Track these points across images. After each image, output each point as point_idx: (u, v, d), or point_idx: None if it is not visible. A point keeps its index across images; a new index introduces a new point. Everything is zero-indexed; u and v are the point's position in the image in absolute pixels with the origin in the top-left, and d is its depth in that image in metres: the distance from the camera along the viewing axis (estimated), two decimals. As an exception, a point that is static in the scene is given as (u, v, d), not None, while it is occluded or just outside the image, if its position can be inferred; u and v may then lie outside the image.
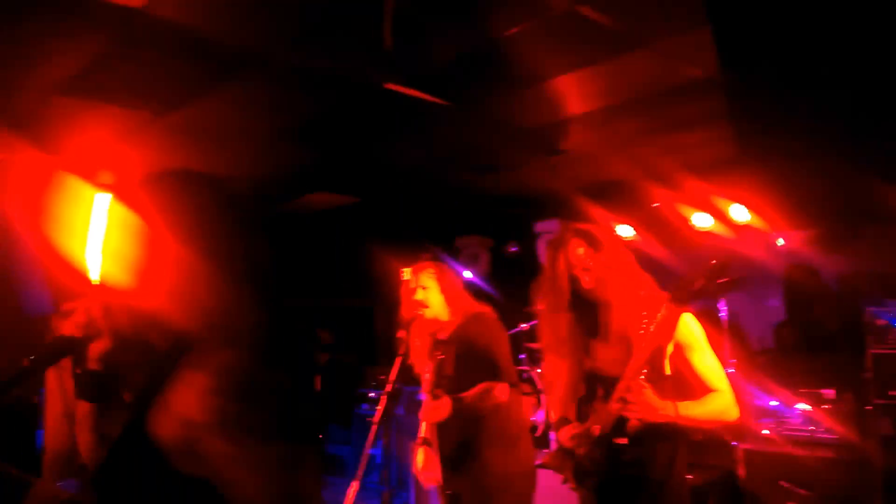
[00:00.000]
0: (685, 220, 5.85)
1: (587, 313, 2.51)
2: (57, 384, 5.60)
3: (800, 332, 5.60)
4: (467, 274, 7.32)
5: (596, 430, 2.37)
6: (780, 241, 5.89)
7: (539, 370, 5.61)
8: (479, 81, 3.95)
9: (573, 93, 4.16)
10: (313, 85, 3.93)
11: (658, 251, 5.82)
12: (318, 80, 3.84)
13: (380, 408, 2.96)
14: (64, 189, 4.52)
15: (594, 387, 2.46)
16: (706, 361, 2.38)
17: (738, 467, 4.36)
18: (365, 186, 6.17)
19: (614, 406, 2.30)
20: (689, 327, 2.37)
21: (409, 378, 3.20)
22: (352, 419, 7.08)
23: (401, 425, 5.43)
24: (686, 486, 2.48)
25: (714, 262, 2.24)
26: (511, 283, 7.37)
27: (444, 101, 4.14)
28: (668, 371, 2.34)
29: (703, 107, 4.14)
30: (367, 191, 6.25)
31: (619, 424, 2.33)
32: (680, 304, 2.24)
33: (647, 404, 2.25)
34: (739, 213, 5.53)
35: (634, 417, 2.28)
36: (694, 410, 2.30)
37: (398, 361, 3.03)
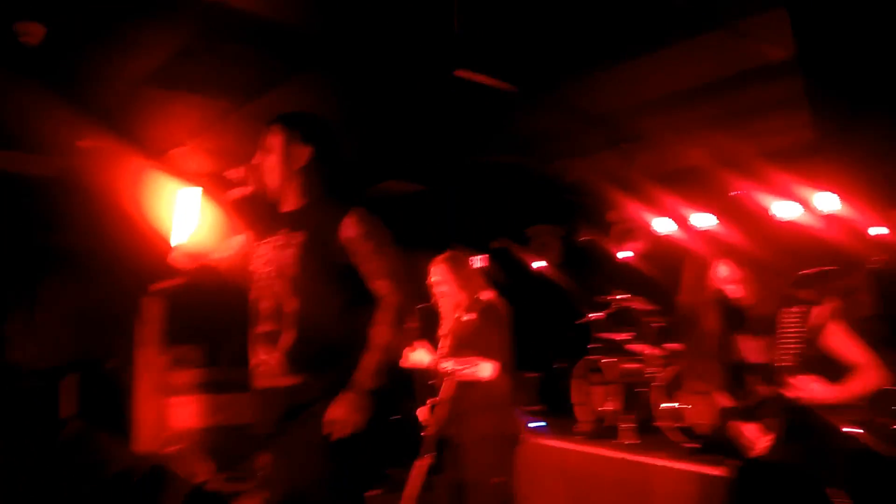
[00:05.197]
0: (766, 209, 5.61)
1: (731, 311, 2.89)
2: (146, 360, 5.94)
3: (891, 327, 5.29)
4: (537, 263, 7.29)
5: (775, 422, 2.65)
6: (873, 231, 5.57)
7: (608, 360, 5.53)
8: (549, 66, 3.92)
9: (646, 77, 4.07)
10: (385, 73, 4.00)
11: (740, 240, 5.61)
12: (390, 67, 3.91)
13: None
14: (150, 177, 4.79)
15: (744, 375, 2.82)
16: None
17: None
18: (432, 174, 6.23)
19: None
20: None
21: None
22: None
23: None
24: None
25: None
26: (582, 272, 7.34)
27: (513, 87, 4.13)
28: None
29: (782, 90, 3.98)
30: (434, 179, 6.31)
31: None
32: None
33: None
34: (825, 201, 5.27)
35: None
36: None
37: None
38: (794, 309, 2.65)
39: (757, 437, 2.70)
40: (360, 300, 2.32)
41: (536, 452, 5.00)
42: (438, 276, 3.59)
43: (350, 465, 2.26)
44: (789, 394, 2.59)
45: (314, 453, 2.22)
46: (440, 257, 3.65)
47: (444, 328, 3.59)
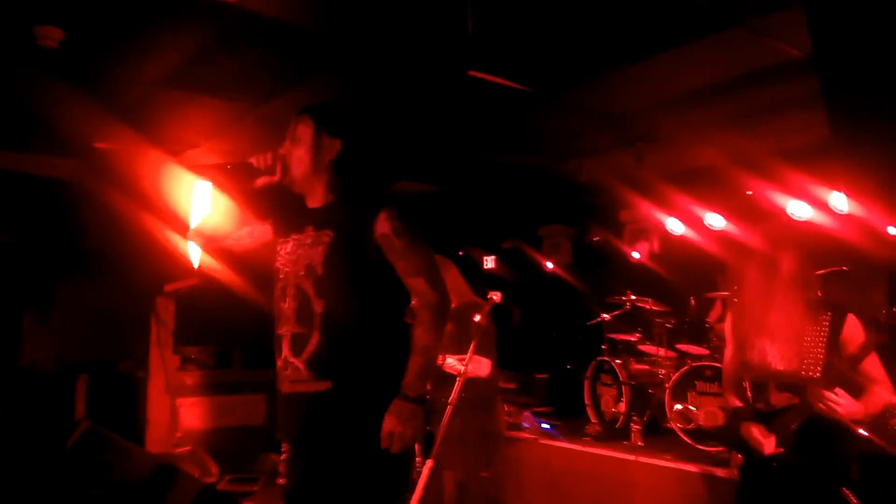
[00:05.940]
0: (781, 209, 5.57)
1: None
2: (159, 361, 5.98)
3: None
4: (549, 264, 7.28)
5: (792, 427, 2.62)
6: (893, 231, 5.51)
7: (619, 361, 5.51)
8: (563, 65, 3.91)
9: (661, 76, 4.05)
10: (398, 73, 4.01)
11: (752, 241, 5.56)
12: (403, 68, 3.91)
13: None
14: (167, 177, 4.83)
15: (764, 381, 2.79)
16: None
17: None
18: (444, 175, 6.22)
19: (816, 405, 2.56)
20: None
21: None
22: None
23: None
24: None
25: None
26: (594, 273, 7.32)
27: (527, 88, 4.13)
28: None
29: (799, 89, 3.95)
30: (446, 179, 6.31)
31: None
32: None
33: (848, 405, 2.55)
34: (841, 201, 5.23)
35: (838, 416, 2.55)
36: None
37: None
38: (823, 316, 2.58)
39: (766, 439, 2.66)
40: (394, 301, 2.25)
41: (545, 454, 5.00)
42: None
43: (394, 476, 2.16)
44: (818, 407, 2.54)
45: (352, 465, 2.11)
46: None
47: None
